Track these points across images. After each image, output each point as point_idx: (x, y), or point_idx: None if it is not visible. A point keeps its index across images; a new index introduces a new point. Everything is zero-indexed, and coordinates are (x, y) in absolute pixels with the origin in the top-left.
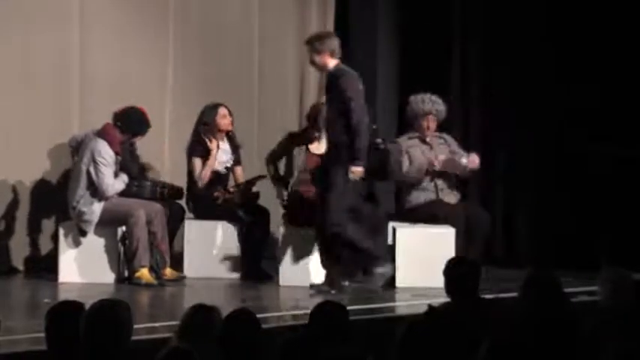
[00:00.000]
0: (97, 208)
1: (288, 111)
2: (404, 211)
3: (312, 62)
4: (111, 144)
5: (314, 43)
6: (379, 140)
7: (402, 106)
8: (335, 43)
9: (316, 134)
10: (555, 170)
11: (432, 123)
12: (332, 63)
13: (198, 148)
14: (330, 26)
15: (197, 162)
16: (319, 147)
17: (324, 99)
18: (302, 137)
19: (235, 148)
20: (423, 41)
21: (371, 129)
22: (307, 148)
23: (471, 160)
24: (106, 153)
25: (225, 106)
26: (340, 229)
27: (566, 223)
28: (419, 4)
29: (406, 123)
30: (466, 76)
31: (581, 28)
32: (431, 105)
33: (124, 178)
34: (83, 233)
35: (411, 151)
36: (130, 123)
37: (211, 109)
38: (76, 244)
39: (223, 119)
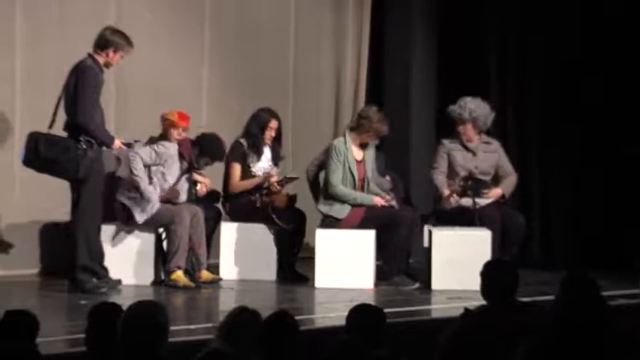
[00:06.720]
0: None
1: (323, 113)
2: (440, 214)
3: None
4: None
5: None
6: None
7: (440, 107)
8: None
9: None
10: (593, 172)
11: (469, 131)
12: None
13: (239, 151)
14: (367, 27)
15: (236, 167)
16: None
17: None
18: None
19: (277, 158)
20: (459, 41)
21: None
22: None
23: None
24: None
25: (278, 119)
26: None
27: (605, 226)
28: (455, 3)
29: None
30: (503, 75)
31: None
32: (467, 113)
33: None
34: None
35: (453, 154)
36: (208, 148)
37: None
38: (114, 245)
39: (270, 132)
